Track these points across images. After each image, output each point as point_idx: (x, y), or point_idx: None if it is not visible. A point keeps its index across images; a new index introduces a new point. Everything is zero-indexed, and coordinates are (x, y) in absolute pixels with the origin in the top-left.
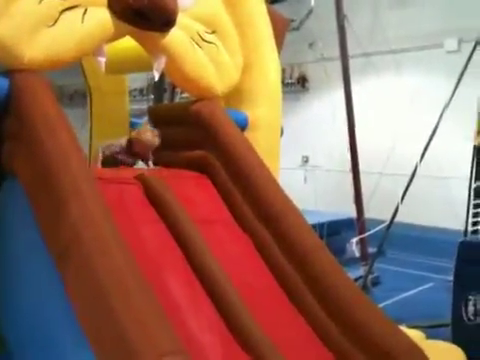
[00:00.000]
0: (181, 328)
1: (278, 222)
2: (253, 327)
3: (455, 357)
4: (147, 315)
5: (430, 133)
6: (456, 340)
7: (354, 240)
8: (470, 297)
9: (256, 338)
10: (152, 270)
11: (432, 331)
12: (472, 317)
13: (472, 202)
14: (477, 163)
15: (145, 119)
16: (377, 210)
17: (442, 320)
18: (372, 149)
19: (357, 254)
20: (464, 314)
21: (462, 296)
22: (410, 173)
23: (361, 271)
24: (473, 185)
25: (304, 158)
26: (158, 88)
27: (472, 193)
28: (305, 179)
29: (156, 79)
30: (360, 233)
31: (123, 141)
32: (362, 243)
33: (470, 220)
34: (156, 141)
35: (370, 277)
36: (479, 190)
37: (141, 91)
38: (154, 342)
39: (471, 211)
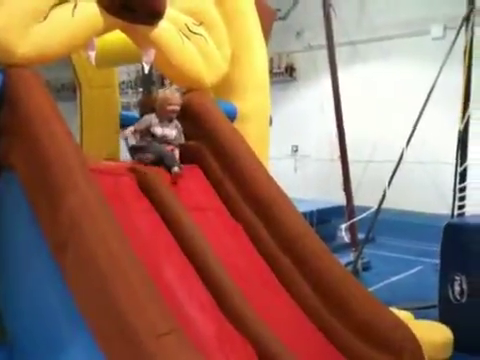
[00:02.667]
0: (176, 309)
1: (268, 209)
2: (245, 308)
3: (442, 335)
4: (145, 299)
5: (416, 119)
6: (443, 320)
7: (343, 226)
8: (456, 277)
9: (249, 318)
10: (147, 256)
11: (421, 312)
12: (458, 297)
13: (458, 186)
14: (462, 147)
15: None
16: (366, 197)
17: (430, 302)
18: (360, 137)
19: (347, 240)
20: (450, 294)
21: (448, 277)
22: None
23: (351, 257)
24: (459, 169)
25: (294, 147)
26: (147, 80)
27: (458, 177)
28: (295, 168)
29: (146, 71)
30: (349, 220)
31: (152, 115)
32: (352, 229)
33: (456, 204)
34: (177, 94)
35: (360, 262)
36: (464, 174)
37: (130, 84)
38: (153, 324)
39: (457, 195)
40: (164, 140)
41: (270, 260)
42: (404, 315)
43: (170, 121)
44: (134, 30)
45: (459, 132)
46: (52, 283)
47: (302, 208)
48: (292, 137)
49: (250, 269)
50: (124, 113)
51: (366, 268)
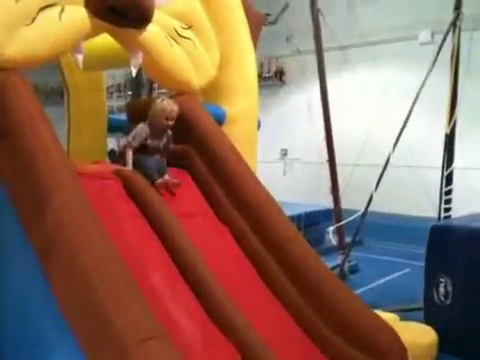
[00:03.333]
0: (161, 314)
1: (256, 213)
2: (232, 311)
3: (426, 336)
4: (129, 301)
5: (403, 122)
6: (428, 321)
7: (331, 229)
8: (441, 279)
9: (235, 321)
10: (133, 260)
11: (407, 315)
12: (443, 299)
13: (444, 189)
14: (448, 151)
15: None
16: (354, 200)
17: (416, 304)
18: (348, 141)
19: (334, 243)
20: (435, 296)
21: (433, 279)
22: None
23: (339, 260)
24: (445, 172)
25: (283, 151)
26: (136, 84)
27: (444, 180)
28: (284, 172)
29: (134, 75)
30: (337, 222)
31: (145, 126)
32: (339, 232)
33: (443, 206)
34: (175, 107)
35: (348, 265)
36: (450, 177)
37: (119, 87)
38: (138, 328)
39: (443, 198)
40: (155, 151)
41: (257, 262)
42: (389, 317)
43: (162, 132)
44: (122, 33)
45: (446, 136)
46: (36, 284)
47: (290, 211)
48: (281, 141)
49: (237, 271)
50: (111, 117)
51: (353, 271)
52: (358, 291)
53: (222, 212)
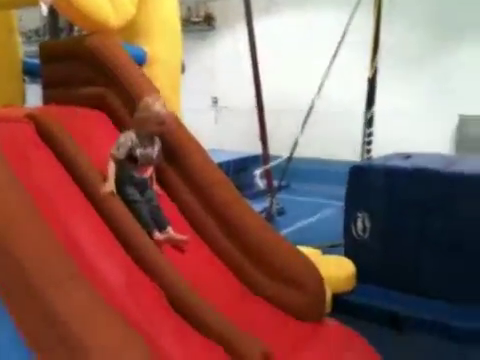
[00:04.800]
0: (82, 259)
1: (181, 158)
2: (158, 257)
3: (345, 267)
4: (45, 249)
5: (327, 68)
6: (348, 255)
7: (257, 172)
8: (359, 214)
9: (159, 265)
10: (48, 208)
11: (330, 250)
12: (361, 233)
13: (366, 131)
14: (370, 95)
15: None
16: (283, 147)
17: (338, 241)
18: (276, 87)
19: (262, 186)
20: (354, 231)
21: (353, 216)
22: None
23: (267, 203)
24: (367, 116)
25: (214, 99)
26: (54, 27)
27: (365, 123)
28: (215, 120)
29: (44, 14)
30: (265, 167)
31: (130, 133)
32: (267, 176)
33: (365, 148)
34: (171, 114)
35: (276, 208)
36: (371, 119)
37: (37, 32)
38: (53, 272)
39: (365, 140)
40: (145, 161)
41: (184, 209)
42: (311, 252)
43: (151, 137)
44: None
45: (368, 80)
46: None
47: (220, 158)
48: (212, 88)
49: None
50: (28, 60)
51: (281, 213)
52: (284, 231)
53: None
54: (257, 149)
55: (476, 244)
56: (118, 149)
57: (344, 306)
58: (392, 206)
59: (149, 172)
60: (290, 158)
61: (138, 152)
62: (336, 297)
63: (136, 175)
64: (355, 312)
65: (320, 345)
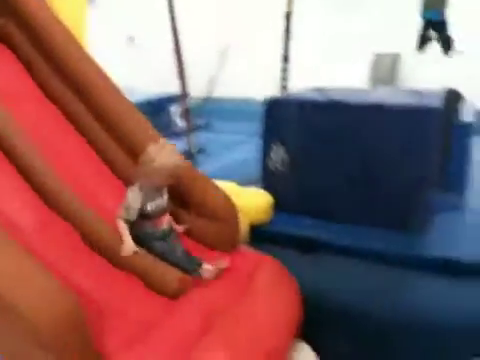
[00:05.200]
0: None
1: (87, 92)
2: (60, 188)
3: (262, 198)
4: None
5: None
6: (265, 187)
7: (172, 108)
8: (274, 147)
9: (71, 205)
10: None
11: (248, 185)
12: (277, 165)
13: (282, 67)
14: (286, 30)
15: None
16: (204, 88)
17: (256, 177)
18: (195, 26)
19: (180, 125)
20: (271, 164)
21: (269, 149)
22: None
23: (186, 142)
24: (282, 52)
25: (130, 38)
26: None
27: (282, 59)
28: (132, 59)
29: None
30: (183, 106)
31: (136, 191)
32: (186, 116)
33: (282, 84)
34: (178, 159)
35: (195, 146)
36: (287, 56)
37: None
38: None
39: (281, 75)
40: (159, 213)
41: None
42: (228, 186)
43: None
44: None
45: (286, 14)
46: None
47: (136, 98)
48: (129, 26)
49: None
50: None
51: (201, 151)
52: (203, 168)
53: (49, 90)
54: (175, 89)
55: (381, 171)
56: (128, 212)
57: (261, 235)
58: (306, 138)
59: (165, 220)
60: (209, 97)
61: (149, 208)
62: (254, 228)
63: (155, 230)
64: (272, 240)
65: (232, 271)
